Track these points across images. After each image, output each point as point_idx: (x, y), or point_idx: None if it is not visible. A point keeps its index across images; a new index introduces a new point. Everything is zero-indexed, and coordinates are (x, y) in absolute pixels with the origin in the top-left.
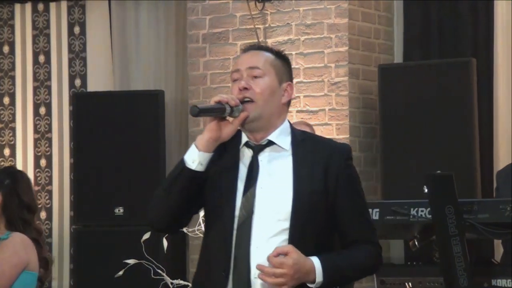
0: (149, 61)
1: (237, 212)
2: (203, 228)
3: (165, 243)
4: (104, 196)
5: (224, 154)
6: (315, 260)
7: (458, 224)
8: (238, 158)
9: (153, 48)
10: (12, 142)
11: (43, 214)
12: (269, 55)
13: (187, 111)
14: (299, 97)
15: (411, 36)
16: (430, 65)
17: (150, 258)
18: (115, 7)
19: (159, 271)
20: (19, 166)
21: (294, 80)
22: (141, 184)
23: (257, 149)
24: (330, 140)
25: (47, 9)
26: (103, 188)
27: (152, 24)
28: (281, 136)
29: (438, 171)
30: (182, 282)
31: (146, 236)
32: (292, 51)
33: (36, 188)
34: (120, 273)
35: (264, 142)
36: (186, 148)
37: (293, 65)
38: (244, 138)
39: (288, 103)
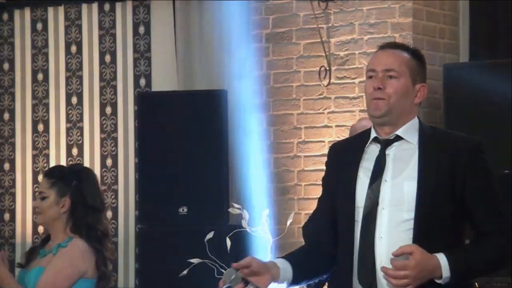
0: (213, 61)
1: (361, 204)
2: (265, 227)
3: (228, 242)
4: (168, 195)
5: (346, 155)
6: (441, 257)
7: None
8: (362, 155)
9: (216, 48)
10: (80, 142)
11: (109, 214)
12: (405, 55)
13: (250, 111)
14: (362, 96)
15: (477, 35)
16: (497, 64)
17: (214, 258)
18: (180, 7)
19: (223, 270)
20: (86, 166)
21: (357, 80)
22: (204, 184)
23: (385, 144)
24: (459, 133)
25: (113, 9)
26: (167, 187)
27: (216, 24)
28: (409, 132)
29: (506, 171)
30: None
31: (210, 235)
32: (355, 50)
33: (103, 187)
34: (185, 272)
35: (392, 136)
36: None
37: (356, 64)
38: (373, 134)
39: (420, 103)
